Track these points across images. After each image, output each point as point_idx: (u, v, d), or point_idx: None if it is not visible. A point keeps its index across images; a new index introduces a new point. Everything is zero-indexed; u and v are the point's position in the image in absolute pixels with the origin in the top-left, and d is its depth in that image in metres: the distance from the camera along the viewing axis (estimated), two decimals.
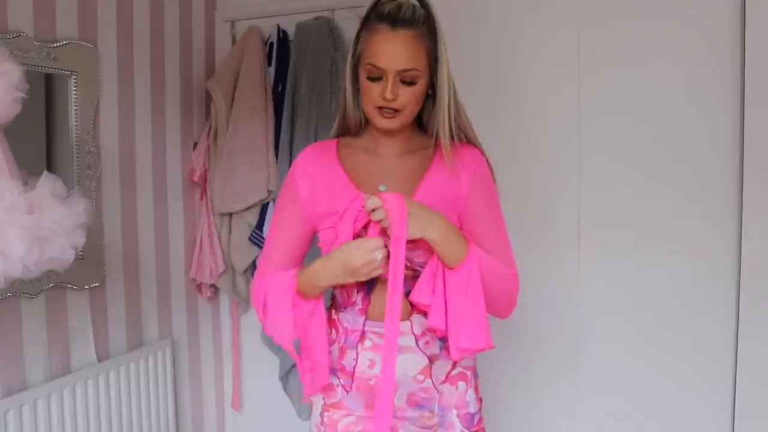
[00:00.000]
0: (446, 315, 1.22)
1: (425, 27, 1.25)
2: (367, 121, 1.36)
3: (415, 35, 1.23)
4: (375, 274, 1.21)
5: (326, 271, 1.24)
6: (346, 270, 1.21)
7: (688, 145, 1.86)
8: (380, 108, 1.26)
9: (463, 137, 1.35)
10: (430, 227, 1.20)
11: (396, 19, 1.22)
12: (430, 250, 1.23)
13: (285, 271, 1.32)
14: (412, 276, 1.28)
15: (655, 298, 1.92)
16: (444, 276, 1.23)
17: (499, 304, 1.30)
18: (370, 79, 1.25)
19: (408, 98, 1.25)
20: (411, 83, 1.25)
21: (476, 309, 1.21)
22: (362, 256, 1.18)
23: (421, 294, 1.23)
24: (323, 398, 1.37)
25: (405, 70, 1.23)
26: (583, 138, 1.98)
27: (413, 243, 1.22)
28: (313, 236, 1.38)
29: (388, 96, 1.23)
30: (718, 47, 1.81)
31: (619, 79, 1.92)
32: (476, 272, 1.21)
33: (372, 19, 1.25)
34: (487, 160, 1.37)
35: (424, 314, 1.28)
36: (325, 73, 2.28)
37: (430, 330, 1.29)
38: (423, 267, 1.26)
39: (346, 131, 1.40)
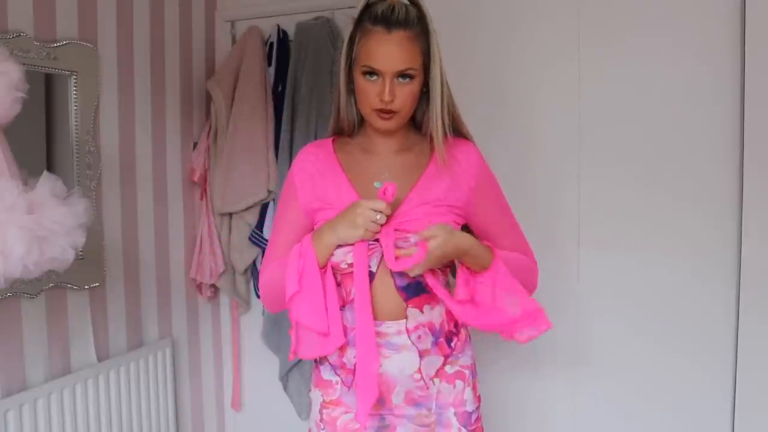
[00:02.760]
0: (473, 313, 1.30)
1: (419, 27, 1.26)
2: (361, 121, 1.37)
3: (409, 36, 1.24)
4: (370, 229, 1.23)
5: (334, 220, 1.27)
6: (348, 216, 1.24)
7: (688, 145, 1.86)
8: (378, 110, 1.27)
9: (452, 131, 1.36)
10: (461, 254, 1.27)
11: (390, 21, 1.23)
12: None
13: None
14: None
15: (655, 298, 1.92)
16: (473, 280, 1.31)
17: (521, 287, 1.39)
18: (367, 81, 1.26)
19: (405, 98, 1.27)
20: (408, 80, 1.26)
21: (526, 303, 1.29)
22: (368, 207, 1.22)
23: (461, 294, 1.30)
24: (322, 395, 1.38)
25: (402, 70, 1.25)
26: (583, 137, 1.98)
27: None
28: None
29: (387, 98, 1.25)
30: (718, 47, 1.81)
31: (619, 79, 1.92)
32: (505, 273, 1.29)
33: (365, 21, 1.26)
34: (479, 151, 1.40)
35: (420, 309, 1.30)
36: (325, 73, 2.28)
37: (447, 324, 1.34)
38: None
39: (339, 132, 1.41)
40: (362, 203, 1.23)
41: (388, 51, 1.23)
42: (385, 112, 1.27)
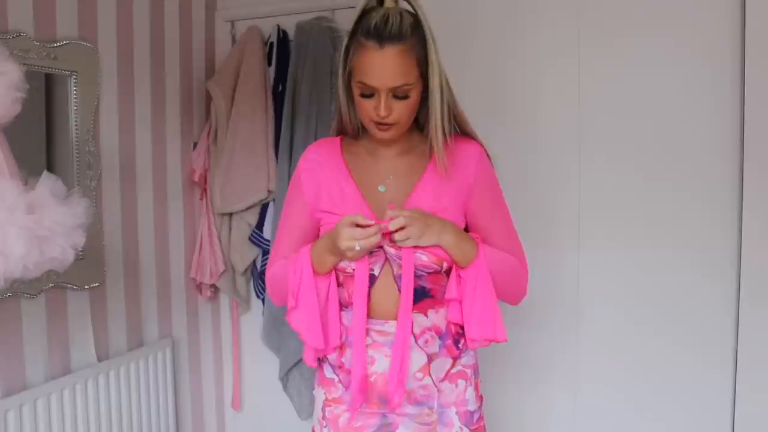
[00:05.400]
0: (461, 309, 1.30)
1: (414, 37, 1.22)
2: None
3: (404, 49, 1.20)
4: (352, 257, 1.25)
5: (323, 240, 1.29)
6: (332, 243, 1.25)
7: (688, 145, 1.86)
8: (376, 122, 1.26)
9: (458, 130, 1.36)
10: (443, 235, 1.26)
11: (383, 36, 1.19)
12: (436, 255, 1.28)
13: None
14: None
15: (655, 297, 1.92)
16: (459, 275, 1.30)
17: (510, 293, 1.39)
18: (363, 96, 1.25)
19: (402, 112, 1.25)
20: (404, 97, 1.24)
21: (486, 303, 1.27)
22: (347, 239, 1.21)
23: (449, 292, 1.30)
24: (325, 393, 1.38)
25: (396, 87, 1.22)
26: (583, 137, 1.98)
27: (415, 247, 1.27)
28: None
29: (382, 113, 1.23)
30: (719, 46, 1.81)
31: (619, 79, 1.92)
32: (485, 271, 1.28)
33: (359, 33, 1.22)
34: (485, 151, 1.38)
35: (424, 313, 1.30)
36: (325, 74, 2.28)
37: (433, 328, 1.33)
38: (419, 270, 1.29)
39: (344, 133, 1.41)
40: (342, 236, 1.21)
41: (381, 68, 1.20)
42: (383, 124, 1.26)
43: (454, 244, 1.26)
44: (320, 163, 1.37)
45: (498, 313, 1.29)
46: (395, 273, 1.30)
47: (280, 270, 1.36)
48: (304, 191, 1.36)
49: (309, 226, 1.38)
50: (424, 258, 1.28)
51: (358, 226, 1.22)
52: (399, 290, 1.30)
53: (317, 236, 1.38)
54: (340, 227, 1.23)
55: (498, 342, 1.29)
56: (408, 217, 1.21)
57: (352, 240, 1.20)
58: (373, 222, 1.22)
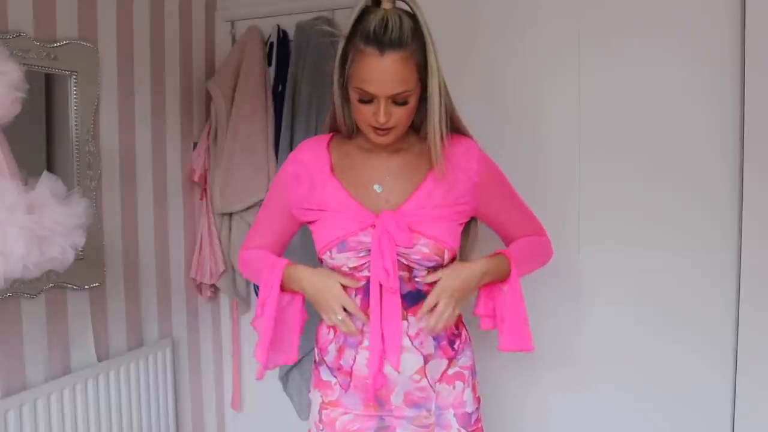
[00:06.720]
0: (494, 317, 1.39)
1: (415, 42, 1.20)
2: None
3: (404, 56, 1.18)
4: (324, 316, 1.33)
5: (306, 283, 1.32)
6: (314, 300, 1.32)
7: (688, 145, 1.86)
8: (374, 127, 1.26)
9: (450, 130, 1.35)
10: (481, 283, 1.35)
11: (383, 42, 1.17)
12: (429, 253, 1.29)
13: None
14: (408, 278, 1.31)
15: (655, 298, 1.92)
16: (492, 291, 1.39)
17: (541, 263, 1.52)
18: (361, 101, 1.23)
19: (400, 117, 1.25)
20: (403, 103, 1.23)
21: (518, 318, 1.35)
22: (330, 306, 1.28)
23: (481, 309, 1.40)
24: (321, 396, 1.38)
25: (396, 94, 1.21)
26: (583, 138, 1.98)
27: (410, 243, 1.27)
28: (299, 228, 1.43)
29: (382, 119, 1.22)
30: (719, 47, 1.81)
31: (618, 80, 1.92)
32: (517, 289, 1.35)
33: (358, 37, 1.19)
34: (478, 146, 1.40)
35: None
36: (325, 74, 2.27)
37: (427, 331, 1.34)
38: (420, 264, 1.29)
39: (337, 132, 1.40)
40: (325, 299, 1.29)
41: (380, 76, 1.18)
42: (382, 129, 1.25)
43: (493, 278, 1.35)
44: (307, 166, 1.36)
45: (528, 327, 1.35)
46: None
47: (255, 264, 1.41)
48: (289, 196, 1.37)
49: (290, 223, 1.41)
50: (425, 250, 1.27)
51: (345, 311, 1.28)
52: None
53: (292, 235, 1.44)
54: (335, 289, 1.28)
55: (526, 351, 1.36)
56: (439, 295, 1.28)
57: (338, 308, 1.27)
58: (363, 317, 1.28)
